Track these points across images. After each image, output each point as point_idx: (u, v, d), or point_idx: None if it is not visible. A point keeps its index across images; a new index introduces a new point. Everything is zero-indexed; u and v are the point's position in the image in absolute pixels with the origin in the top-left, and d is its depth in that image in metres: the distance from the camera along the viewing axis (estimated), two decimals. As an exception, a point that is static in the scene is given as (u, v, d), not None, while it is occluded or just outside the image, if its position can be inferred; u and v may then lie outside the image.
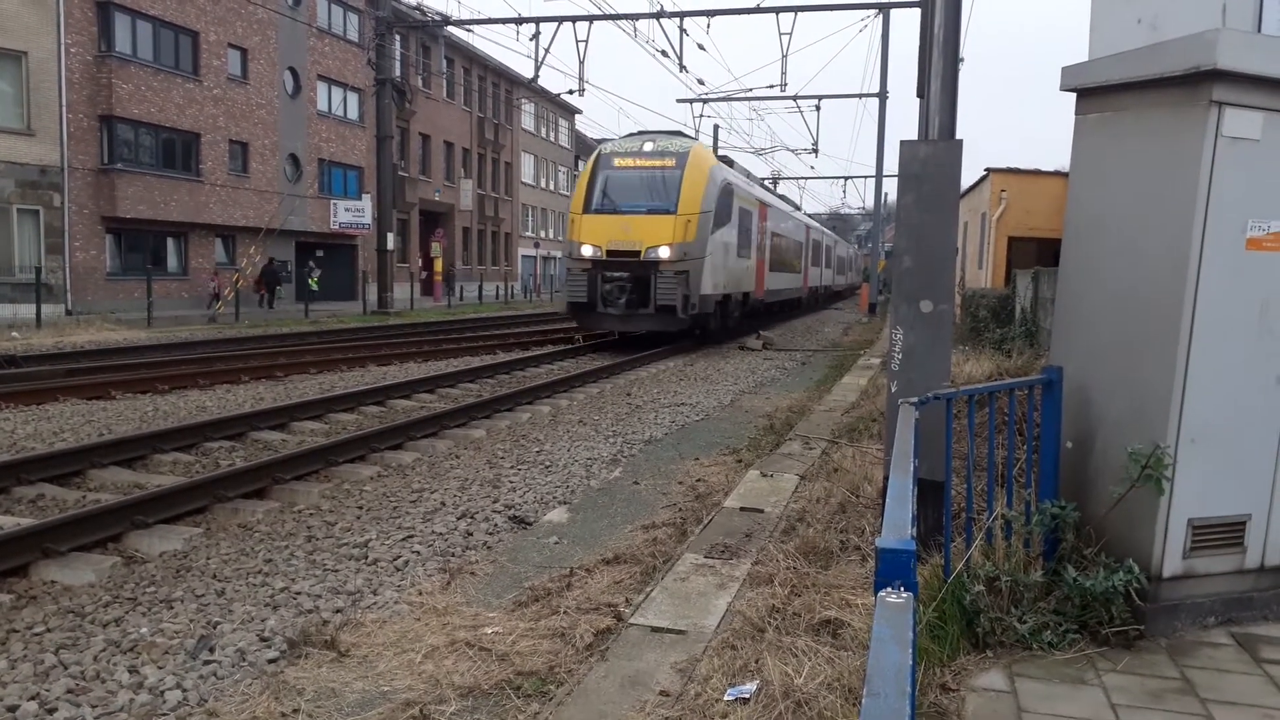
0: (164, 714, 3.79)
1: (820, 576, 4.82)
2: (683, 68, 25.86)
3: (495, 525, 6.55)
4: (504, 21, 25.76)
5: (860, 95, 34.66)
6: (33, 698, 3.84)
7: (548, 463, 8.56)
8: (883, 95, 31.94)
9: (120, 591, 5.03)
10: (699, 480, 7.74)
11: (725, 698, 3.54)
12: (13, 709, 3.74)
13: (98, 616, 4.69)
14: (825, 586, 4.62)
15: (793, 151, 41.39)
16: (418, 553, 5.87)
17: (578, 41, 24.93)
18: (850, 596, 4.42)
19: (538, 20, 25.26)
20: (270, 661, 4.26)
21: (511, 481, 7.80)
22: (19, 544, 5.26)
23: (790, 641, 3.93)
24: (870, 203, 50.21)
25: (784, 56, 25.90)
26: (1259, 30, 8.17)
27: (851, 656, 3.71)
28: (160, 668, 4.18)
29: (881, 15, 27.19)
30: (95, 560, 5.34)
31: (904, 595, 1.94)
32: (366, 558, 5.74)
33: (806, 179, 61.37)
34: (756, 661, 3.80)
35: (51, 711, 3.76)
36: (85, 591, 4.99)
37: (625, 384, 14.21)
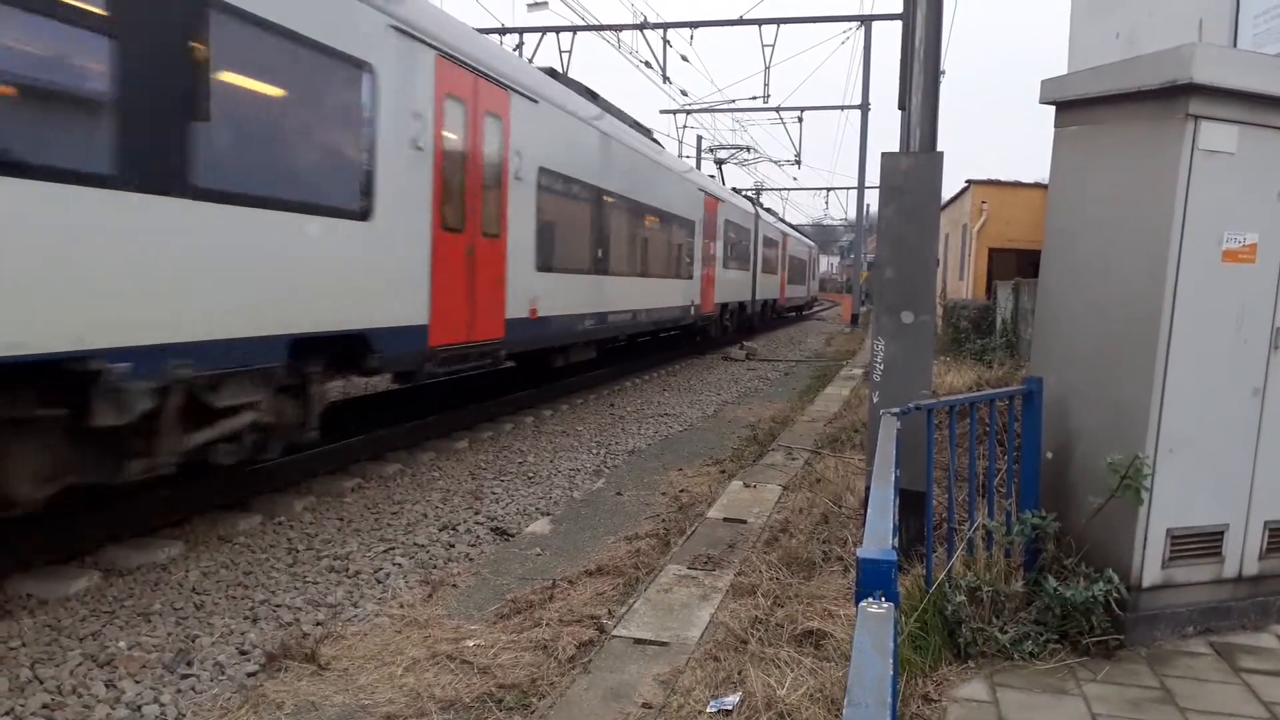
0: (141, 729, 3.74)
1: (803, 587, 4.82)
2: (666, 79, 25.94)
3: (477, 537, 6.52)
4: (488, 31, 25.78)
5: (842, 107, 34.86)
6: (7, 713, 3.78)
7: (530, 473, 8.54)
8: (865, 107, 32.13)
9: (98, 605, 4.97)
10: (682, 491, 7.74)
11: (708, 710, 3.54)
12: (-14, 725, 3.69)
13: (75, 630, 4.63)
14: (808, 597, 4.63)
15: (776, 163, 41.57)
16: (399, 565, 5.84)
17: (561, 52, 24.96)
18: (833, 607, 4.43)
19: (521, 30, 25.29)
20: (249, 675, 4.22)
21: (494, 493, 7.77)
22: (-6, 557, 5.20)
23: (773, 653, 3.94)
24: (853, 214, 50.48)
25: (766, 68, 26.03)
26: (1234, 44, 8.29)
27: (834, 667, 3.71)
28: (138, 682, 4.13)
29: (863, 28, 27.39)
30: (72, 573, 5.28)
31: (885, 605, 1.94)
32: (347, 570, 5.70)
33: (789, 190, 61.51)
34: (739, 673, 3.80)
35: (26, 727, 3.71)
36: (62, 605, 4.93)
37: (608, 394, 14.20)
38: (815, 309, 58.77)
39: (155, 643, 4.53)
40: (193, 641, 4.57)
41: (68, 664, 4.26)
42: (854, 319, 36.56)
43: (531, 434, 10.62)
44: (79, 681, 4.11)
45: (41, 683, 4.08)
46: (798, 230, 47.57)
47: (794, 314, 45.18)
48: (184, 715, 3.85)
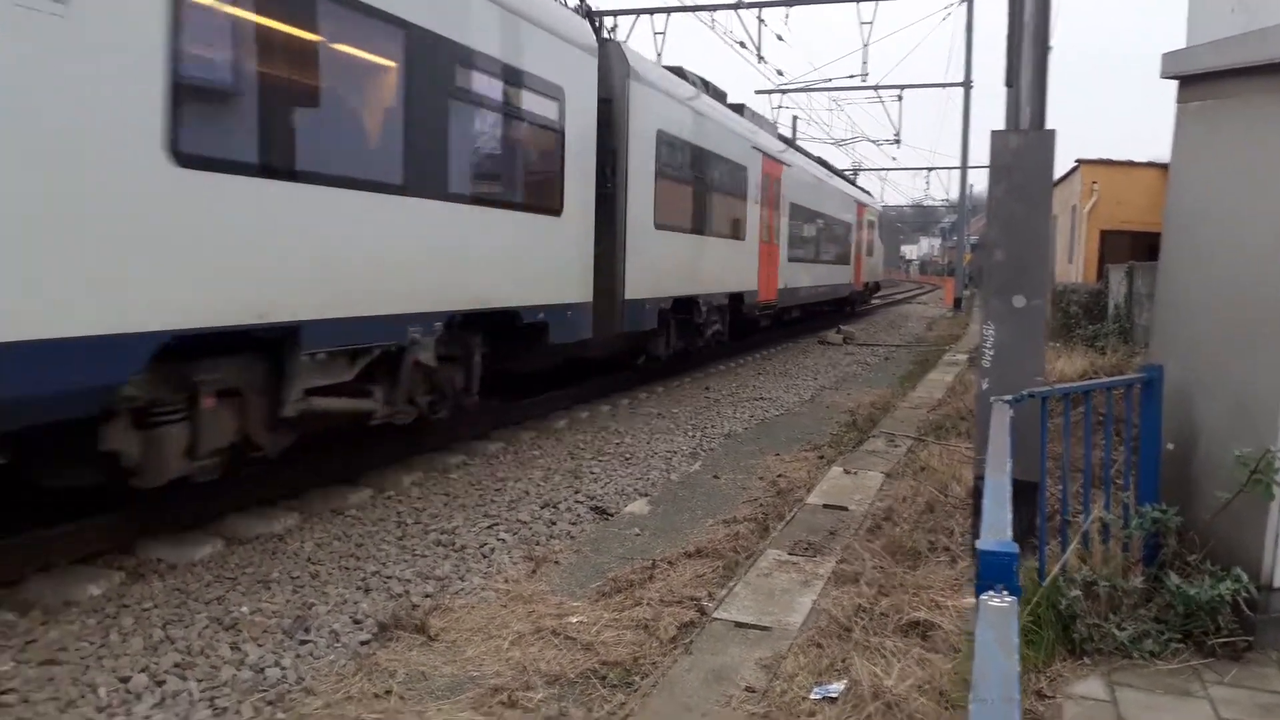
0: (265, 690, 3.93)
1: (908, 577, 4.75)
2: (761, 58, 25.61)
3: (578, 515, 6.62)
4: (583, 15, 25.79)
5: (944, 85, 33.87)
6: (143, 670, 4.02)
7: (627, 454, 8.61)
8: (967, 84, 31.16)
9: (221, 571, 5.22)
10: (780, 476, 7.69)
11: (811, 696, 3.53)
12: (125, 679, 3.92)
13: (201, 594, 4.88)
14: (914, 587, 4.56)
15: (874, 143, 40.74)
16: (503, 540, 5.97)
17: (655, 34, 24.89)
18: (940, 598, 4.35)
19: (615, 13, 25.30)
20: (363, 643, 4.38)
21: (593, 472, 7.87)
22: (125, 523, 5.51)
23: (878, 642, 3.90)
24: (955, 194, 49.11)
25: (865, 46, 25.49)
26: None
27: (943, 659, 3.66)
28: (260, 645, 4.33)
29: (966, 3, 26.57)
30: (197, 539, 5.56)
31: (1008, 599, 1.91)
32: (454, 544, 5.86)
33: (888, 170, 60.18)
34: (843, 661, 3.77)
35: (160, 683, 3.93)
36: (189, 570, 5.20)
37: (703, 377, 14.19)
38: (872, 303, 36.80)
39: (275, 609, 4.74)
40: (309, 609, 4.76)
41: (195, 626, 4.49)
42: (957, 303, 35.62)
43: (627, 415, 10.70)
44: (206, 643, 4.33)
45: (173, 643, 4.31)
46: (828, 166, 26.43)
47: (828, 311, 26.20)
48: (303, 680, 4.02)
